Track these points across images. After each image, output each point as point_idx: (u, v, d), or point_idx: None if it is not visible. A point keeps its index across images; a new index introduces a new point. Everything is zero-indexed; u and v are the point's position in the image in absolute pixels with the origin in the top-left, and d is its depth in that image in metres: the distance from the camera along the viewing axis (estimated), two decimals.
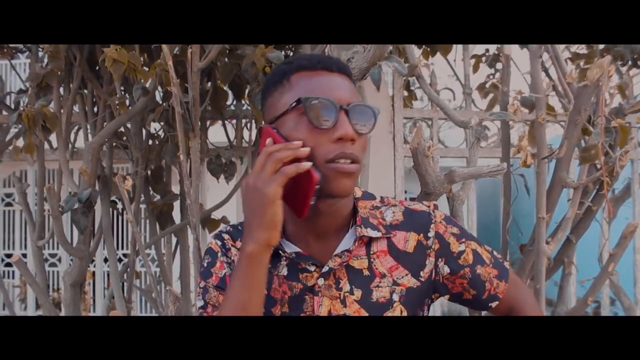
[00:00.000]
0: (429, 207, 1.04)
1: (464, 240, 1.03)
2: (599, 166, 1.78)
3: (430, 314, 1.10)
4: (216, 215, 2.35)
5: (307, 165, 0.84)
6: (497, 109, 2.37)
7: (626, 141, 1.77)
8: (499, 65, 2.56)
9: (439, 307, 2.76)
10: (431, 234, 1.01)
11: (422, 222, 1.01)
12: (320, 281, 0.95)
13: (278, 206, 0.84)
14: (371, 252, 0.98)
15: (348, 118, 0.88)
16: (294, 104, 0.88)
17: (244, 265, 0.87)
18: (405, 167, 2.34)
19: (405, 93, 2.52)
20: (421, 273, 1.00)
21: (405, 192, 2.41)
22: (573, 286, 2.44)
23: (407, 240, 1.00)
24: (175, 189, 2.38)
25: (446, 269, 1.02)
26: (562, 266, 2.14)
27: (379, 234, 0.98)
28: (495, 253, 1.08)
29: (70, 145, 2.31)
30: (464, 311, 1.57)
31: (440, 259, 1.01)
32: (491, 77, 2.60)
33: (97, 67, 2.19)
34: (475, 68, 2.64)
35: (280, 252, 0.97)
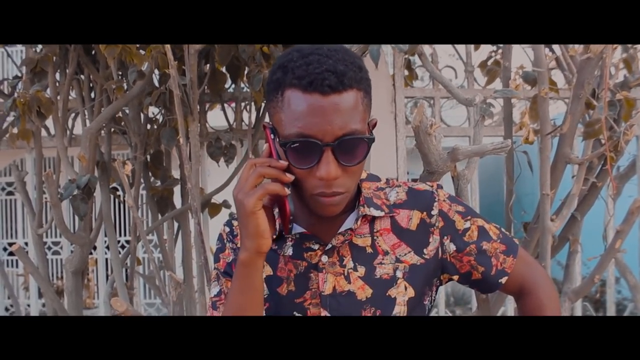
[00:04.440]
0: (432, 186, 1.04)
1: (469, 217, 1.04)
2: (603, 141, 1.75)
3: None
4: (217, 199, 2.33)
5: (285, 192, 0.87)
6: (497, 85, 2.33)
7: (631, 115, 1.73)
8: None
9: (443, 287, 2.75)
10: (434, 212, 1.01)
11: (425, 201, 1.02)
12: (324, 258, 0.97)
13: (258, 218, 0.87)
14: (374, 230, 1.00)
15: (334, 155, 0.86)
16: (278, 141, 0.88)
17: (239, 271, 0.91)
18: (407, 148, 2.31)
19: (406, 72, 2.48)
20: (425, 250, 1.00)
21: (408, 172, 2.39)
22: (578, 265, 2.42)
23: (410, 219, 1.01)
24: (176, 173, 2.36)
25: (452, 247, 1.02)
26: (567, 244, 2.12)
27: (381, 213, 0.99)
28: (504, 230, 1.07)
29: (68, 132, 2.29)
30: (468, 291, 1.55)
31: (445, 237, 1.01)
32: (493, 53, 2.55)
33: (93, 52, 2.16)
34: (477, 46, 2.59)
35: (283, 234, 0.98)
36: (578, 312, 2.59)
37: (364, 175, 1.03)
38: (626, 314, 4.37)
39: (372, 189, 1.03)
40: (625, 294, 4.62)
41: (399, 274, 0.98)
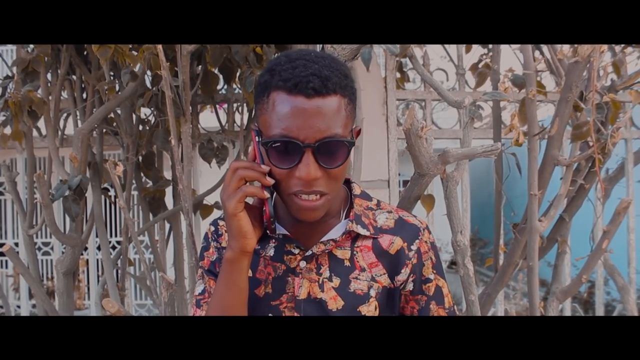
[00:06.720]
0: (421, 224, 1.06)
1: (436, 272, 1.06)
2: (591, 143, 1.77)
3: None
4: (209, 200, 2.33)
5: (264, 195, 0.90)
6: (487, 87, 2.35)
7: (618, 117, 1.75)
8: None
9: None
10: (414, 247, 1.03)
11: (410, 233, 1.03)
12: (302, 264, 0.99)
13: (240, 219, 0.90)
14: (355, 246, 1.01)
15: (314, 156, 0.87)
16: (258, 140, 0.90)
17: (224, 269, 0.94)
18: (398, 150, 2.33)
19: (398, 74, 2.50)
20: (396, 278, 1.02)
21: (399, 174, 2.40)
22: (567, 266, 2.44)
23: (392, 243, 1.02)
24: (167, 174, 2.36)
25: (410, 286, 1.04)
26: (555, 245, 2.14)
27: (367, 233, 1.01)
28: (456, 308, 1.10)
29: (59, 132, 2.29)
30: (458, 292, 1.56)
31: (412, 275, 1.03)
32: (484, 56, 2.57)
33: (85, 52, 2.16)
34: (468, 48, 2.61)
35: (268, 233, 0.99)
36: (567, 313, 2.61)
37: (357, 191, 1.05)
38: (615, 315, 4.41)
39: (362, 206, 1.04)
40: (614, 295, 4.66)
41: (373, 292, 1.00)
